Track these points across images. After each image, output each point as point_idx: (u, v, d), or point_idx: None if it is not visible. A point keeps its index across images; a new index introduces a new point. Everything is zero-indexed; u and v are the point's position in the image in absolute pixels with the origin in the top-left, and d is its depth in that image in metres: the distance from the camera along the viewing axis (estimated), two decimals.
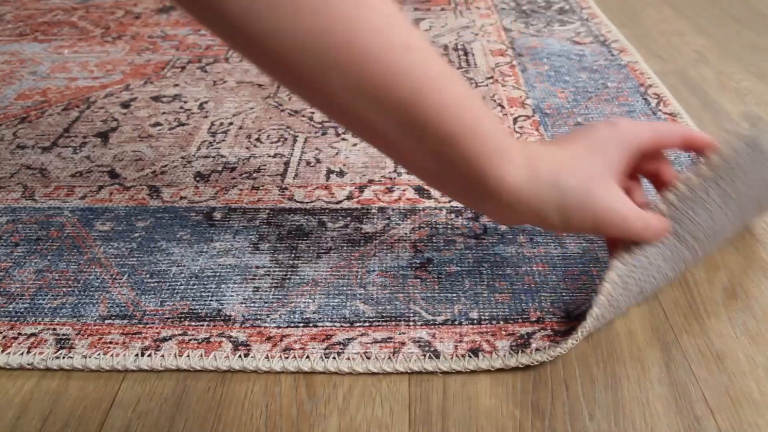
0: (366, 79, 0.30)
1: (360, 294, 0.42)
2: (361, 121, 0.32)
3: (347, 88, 0.30)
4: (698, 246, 0.38)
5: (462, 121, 0.32)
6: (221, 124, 0.63)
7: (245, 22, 0.29)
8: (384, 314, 0.40)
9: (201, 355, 0.38)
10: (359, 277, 0.44)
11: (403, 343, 0.38)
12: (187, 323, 0.40)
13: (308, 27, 0.29)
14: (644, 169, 0.40)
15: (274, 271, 0.44)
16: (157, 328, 0.40)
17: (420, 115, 0.31)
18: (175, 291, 0.43)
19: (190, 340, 0.39)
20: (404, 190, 0.52)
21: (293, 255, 0.46)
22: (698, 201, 0.37)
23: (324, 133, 0.61)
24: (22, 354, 0.38)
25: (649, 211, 0.37)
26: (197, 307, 0.41)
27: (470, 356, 0.37)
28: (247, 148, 0.59)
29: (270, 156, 0.58)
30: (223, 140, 0.60)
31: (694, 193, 0.37)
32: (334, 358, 0.37)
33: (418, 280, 0.43)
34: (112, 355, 0.38)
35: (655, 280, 0.38)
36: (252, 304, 0.41)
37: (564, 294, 0.42)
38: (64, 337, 0.39)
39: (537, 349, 0.37)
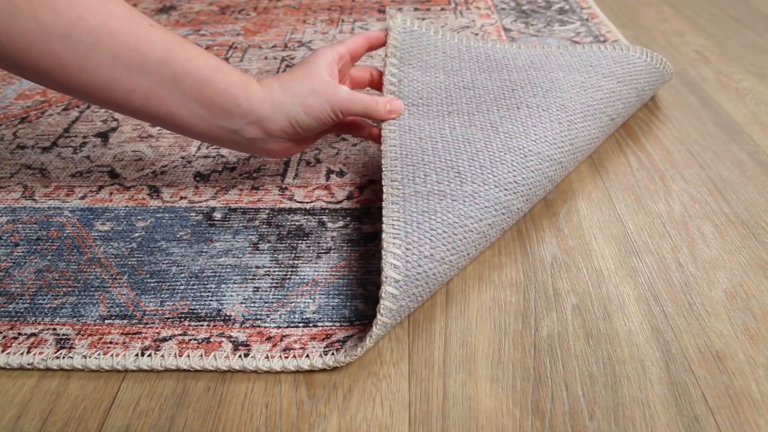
0: (123, 50, 0.38)
1: (360, 294, 0.42)
2: (126, 89, 0.39)
3: (109, 61, 0.38)
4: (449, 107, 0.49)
5: (208, 65, 0.41)
6: None
7: (4, 31, 0.35)
8: None
9: (201, 355, 0.38)
10: (359, 277, 0.44)
11: None
12: (187, 323, 0.40)
13: (66, 19, 0.36)
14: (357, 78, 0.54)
15: (274, 271, 0.44)
16: (157, 328, 0.40)
17: (175, 68, 0.40)
18: (175, 291, 0.43)
19: (190, 340, 0.39)
20: None
21: (293, 255, 0.46)
22: (405, 77, 0.53)
23: None
24: (22, 354, 0.38)
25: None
26: (197, 307, 0.41)
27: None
28: None
29: None
30: None
31: (399, 72, 0.53)
32: (332, 354, 0.37)
33: None
34: (112, 355, 0.38)
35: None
36: (252, 304, 0.41)
37: None
38: (64, 337, 0.39)
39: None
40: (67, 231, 0.48)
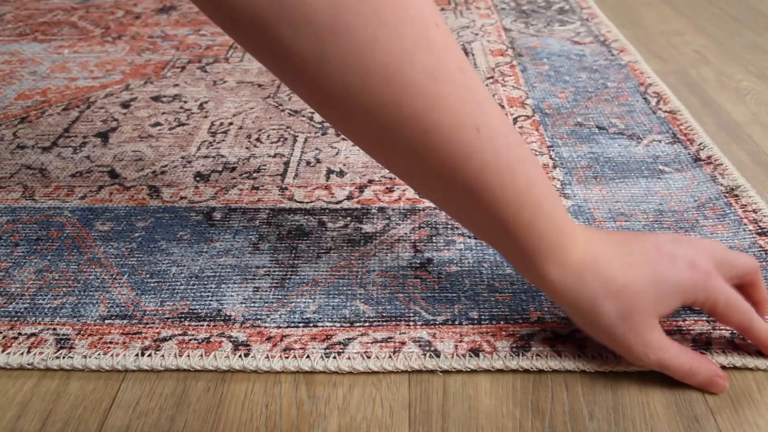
0: (432, 155, 0.29)
1: (360, 294, 0.42)
2: (423, 184, 0.32)
3: (412, 157, 0.29)
4: None
5: (518, 219, 0.31)
6: (221, 124, 0.63)
7: (310, 72, 0.27)
8: (384, 314, 0.40)
9: (201, 355, 0.38)
10: (359, 277, 0.44)
11: (403, 343, 0.38)
12: (187, 323, 0.40)
13: (378, 93, 0.27)
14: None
15: (274, 271, 0.44)
16: (157, 328, 0.40)
17: (479, 202, 0.30)
18: (175, 291, 0.43)
19: (190, 340, 0.39)
20: (404, 190, 0.52)
21: (293, 255, 0.46)
22: None
23: (324, 133, 0.61)
24: (22, 354, 0.38)
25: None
26: (197, 307, 0.41)
27: (471, 356, 0.37)
28: (247, 148, 0.59)
29: (270, 156, 0.58)
30: (223, 140, 0.60)
31: None
32: (334, 357, 0.37)
33: (418, 280, 0.43)
34: (112, 355, 0.38)
35: None
36: (252, 304, 0.41)
37: None
38: (64, 337, 0.39)
39: (537, 354, 0.37)
40: (67, 231, 0.48)
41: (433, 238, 0.47)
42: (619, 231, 0.38)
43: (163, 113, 0.65)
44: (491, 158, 0.29)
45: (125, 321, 0.40)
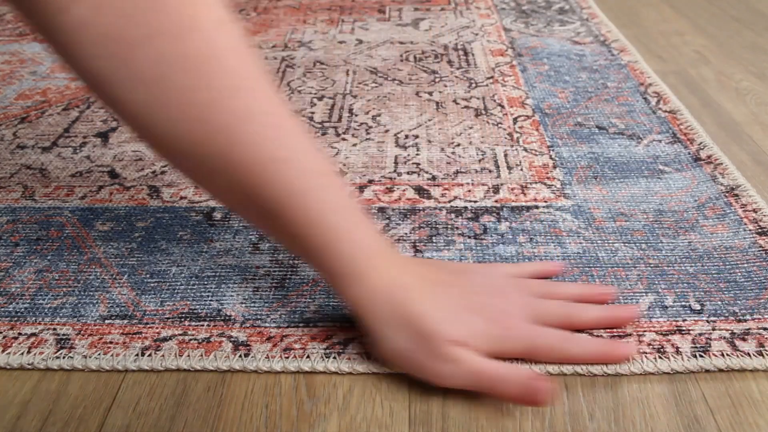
0: (240, 186, 0.33)
1: None
2: (241, 212, 0.38)
3: (227, 189, 0.34)
4: None
5: (318, 240, 0.34)
6: None
7: (140, 119, 0.31)
8: None
9: (201, 355, 0.38)
10: None
11: None
12: (187, 323, 0.40)
13: (192, 134, 0.31)
14: None
15: (274, 271, 0.44)
16: (157, 328, 0.40)
17: (285, 225, 0.34)
18: (175, 291, 0.43)
19: (191, 340, 0.39)
20: (404, 190, 0.52)
21: (293, 255, 0.46)
22: None
23: (324, 133, 0.61)
24: (22, 354, 0.38)
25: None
26: (197, 307, 0.41)
27: None
28: None
29: None
30: None
31: None
32: (334, 358, 0.37)
33: None
34: (112, 355, 0.38)
35: None
36: (252, 304, 0.41)
37: None
38: (64, 337, 0.39)
39: None
40: (67, 231, 0.48)
41: (433, 238, 0.47)
42: (440, 267, 0.40)
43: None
44: (290, 186, 0.33)
45: (125, 321, 0.40)
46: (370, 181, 0.54)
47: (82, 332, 0.40)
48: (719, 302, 0.41)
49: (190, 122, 0.31)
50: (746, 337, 0.38)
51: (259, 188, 0.33)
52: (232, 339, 0.39)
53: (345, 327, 0.40)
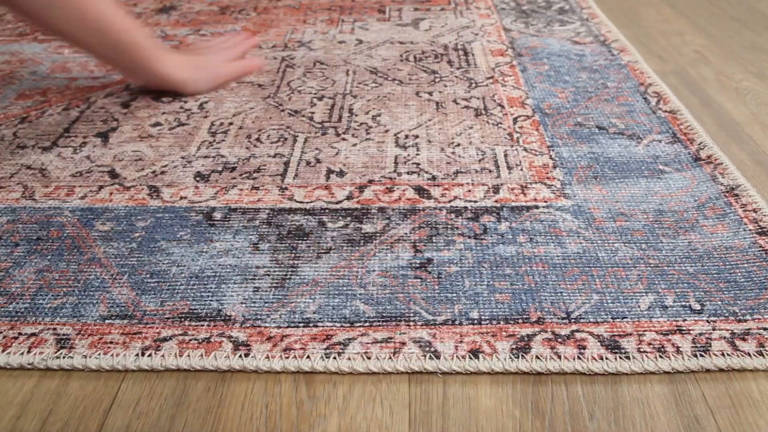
0: (73, 15, 0.56)
1: (360, 294, 0.42)
2: (75, 39, 0.59)
3: (65, 20, 0.56)
4: None
5: (133, 38, 0.60)
6: (221, 124, 0.63)
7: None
8: (384, 314, 0.40)
9: (201, 355, 0.38)
10: (359, 277, 0.44)
11: (403, 344, 0.38)
12: (187, 323, 0.40)
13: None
14: None
15: (274, 271, 0.44)
16: (157, 328, 0.40)
17: (109, 36, 0.59)
18: (175, 291, 0.43)
19: (191, 340, 0.39)
20: (404, 190, 0.52)
21: (293, 255, 0.46)
22: None
23: (324, 133, 0.61)
24: (22, 354, 0.38)
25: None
26: (197, 307, 0.41)
27: (471, 357, 0.37)
28: (247, 148, 0.59)
29: (270, 156, 0.58)
30: (223, 140, 0.60)
31: None
32: (334, 358, 0.37)
33: (418, 280, 0.43)
34: (112, 355, 0.38)
35: None
36: (252, 304, 0.41)
37: (564, 294, 0.42)
38: (64, 336, 0.39)
39: (537, 357, 0.37)
40: (67, 231, 0.48)
41: (433, 238, 0.47)
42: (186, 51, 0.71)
43: (163, 113, 0.65)
44: (109, 11, 0.58)
45: (125, 321, 0.40)
46: (370, 181, 0.54)
47: (82, 332, 0.40)
48: (719, 302, 0.41)
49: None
50: (746, 337, 0.38)
51: (90, 13, 0.57)
52: (232, 339, 0.39)
53: (345, 327, 0.40)
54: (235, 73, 0.71)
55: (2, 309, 0.41)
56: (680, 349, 0.37)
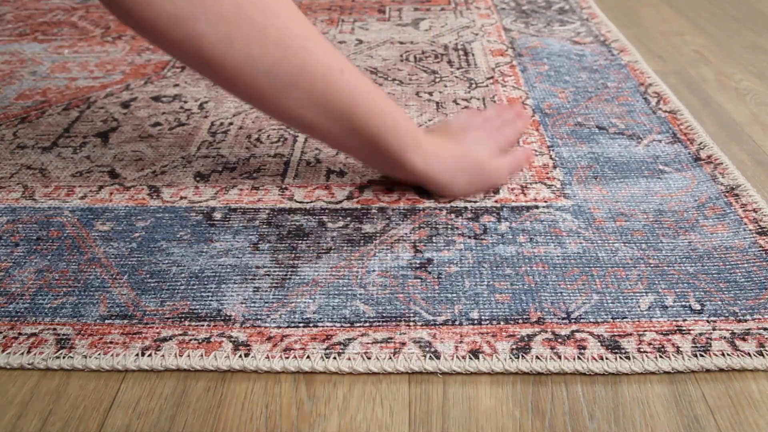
0: (315, 95, 0.42)
1: (360, 294, 0.42)
2: (311, 126, 0.44)
3: (301, 101, 0.42)
4: None
5: (386, 124, 0.45)
6: (221, 124, 0.63)
7: (219, 55, 0.38)
8: (384, 314, 0.40)
9: (201, 355, 0.38)
10: (359, 277, 0.44)
11: (403, 344, 0.38)
12: (187, 323, 0.40)
13: (272, 57, 0.39)
14: None
15: (274, 271, 0.44)
16: (157, 328, 0.40)
17: (355, 121, 0.44)
18: (175, 291, 0.43)
19: (191, 340, 0.39)
20: (404, 190, 0.52)
21: (293, 255, 0.46)
22: None
23: None
24: (22, 354, 0.38)
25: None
26: (197, 307, 0.41)
27: (471, 358, 0.37)
28: (247, 148, 0.59)
29: (270, 156, 0.58)
30: (223, 140, 0.60)
31: None
32: (334, 358, 0.37)
33: (418, 280, 0.43)
34: (112, 355, 0.38)
35: None
36: (252, 304, 0.41)
37: (564, 294, 0.42)
38: (64, 336, 0.39)
39: (537, 357, 0.37)
40: (67, 231, 0.48)
41: (433, 238, 0.47)
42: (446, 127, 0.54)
43: (163, 113, 0.65)
44: (356, 88, 0.43)
45: (125, 321, 0.40)
46: (370, 181, 0.54)
47: (82, 332, 0.40)
48: (719, 302, 0.41)
49: (267, 47, 0.39)
50: (746, 337, 0.38)
51: (333, 94, 0.42)
52: (232, 339, 0.39)
53: (345, 327, 0.40)
54: (507, 173, 0.52)
55: (2, 309, 0.41)
56: (680, 349, 0.37)
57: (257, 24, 0.38)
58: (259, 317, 0.40)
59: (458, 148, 0.50)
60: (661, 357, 0.37)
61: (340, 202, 0.51)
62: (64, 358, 0.38)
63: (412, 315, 0.40)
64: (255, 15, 0.38)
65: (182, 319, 0.40)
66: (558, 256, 0.45)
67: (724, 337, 0.38)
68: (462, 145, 0.50)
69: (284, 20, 0.39)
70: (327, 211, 0.50)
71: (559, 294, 0.42)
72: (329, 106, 0.42)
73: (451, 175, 0.49)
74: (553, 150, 0.58)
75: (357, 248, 0.46)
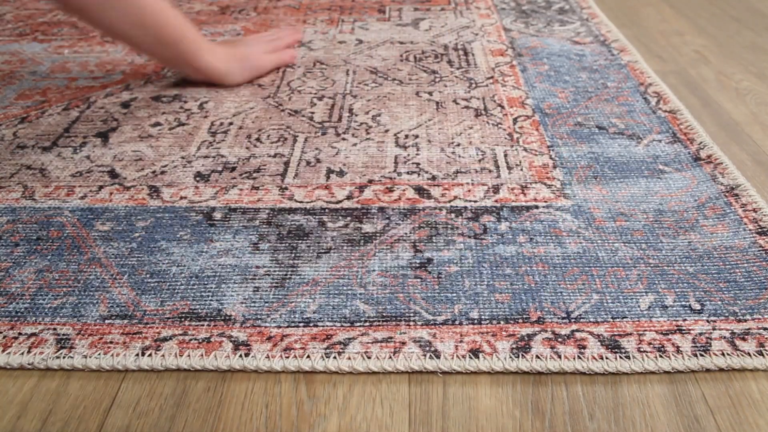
0: (132, 16, 0.58)
1: (360, 294, 0.42)
2: (125, 36, 0.60)
3: (121, 20, 0.58)
4: None
5: (186, 36, 0.63)
6: (221, 124, 0.63)
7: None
8: (384, 314, 0.40)
9: (201, 355, 0.38)
10: (359, 277, 0.44)
11: (403, 343, 0.38)
12: (187, 323, 0.40)
13: (143, 14, 0.58)
14: None
15: (274, 271, 0.44)
16: (157, 327, 0.40)
17: (160, 32, 0.61)
18: (176, 291, 0.43)
19: (191, 339, 0.39)
20: (404, 190, 0.52)
21: (293, 255, 0.46)
22: None
23: (324, 133, 0.61)
24: (22, 354, 0.38)
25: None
26: (197, 306, 0.41)
27: (471, 357, 0.37)
28: (247, 148, 0.59)
29: (270, 156, 0.58)
30: (223, 140, 0.60)
31: None
32: (334, 357, 0.37)
33: (418, 280, 0.43)
34: (112, 355, 0.38)
35: None
36: (252, 304, 0.41)
37: (564, 294, 0.42)
38: (64, 336, 0.39)
39: (537, 356, 0.37)
40: (67, 231, 0.48)
41: (433, 238, 0.47)
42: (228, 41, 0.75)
43: (163, 113, 0.65)
44: (163, 9, 0.61)
45: (125, 321, 0.40)
46: (370, 181, 0.54)
47: (82, 332, 0.40)
48: (719, 302, 0.41)
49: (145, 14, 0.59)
50: (746, 336, 0.38)
51: (149, 15, 0.59)
52: (232, 339, 0.39)
53: (345, 327, 0.40)
54: (272, 65, 0.73)
55: (2, 309, 0.41)
56: (680, 348, 0.37)
57: None
58: (259, 317, 0.40)
59: (236, 49, 0.71)
60: (661, 357, 0.37)
61: (340, 201, 0.51)
62: (64, 358, 0.38)
63: (412, 314, 0.40)
64: None
65: (182, 319, 0.40)
66: (558, 256, 0.45)
67: (724, 337, 0.38)
68: (239, 47, 0.72)
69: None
70: (327, 211, 0.50)
71: (559, 294, 0.42)
72: (141, 22, 0.59)
73: (228, 65, 0.69)
74: (553, 150, 0.58)
75: (357, 248, 0.46)
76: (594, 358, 0.37)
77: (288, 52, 0.76)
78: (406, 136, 0.60)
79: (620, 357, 0.37)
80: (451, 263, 0.45)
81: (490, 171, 0.55)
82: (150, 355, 0.38)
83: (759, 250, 0.45)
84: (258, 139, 0.60)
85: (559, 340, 0.38)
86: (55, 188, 0.54)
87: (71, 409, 0.35)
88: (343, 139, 0.60)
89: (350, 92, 0.69)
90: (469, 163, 0.56)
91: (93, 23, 0.59)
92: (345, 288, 0.43)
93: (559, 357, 0.37)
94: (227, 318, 0.40)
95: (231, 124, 0.63)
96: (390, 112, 0.65)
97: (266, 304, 0.41)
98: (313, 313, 0.41)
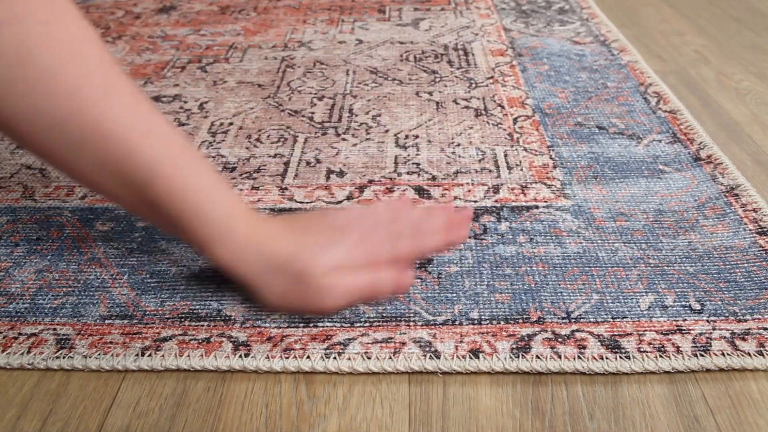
0: (110, 159, 0.34)
1: None
2: (108, 192, 0.37)
3: (94, 164, 0.34)
4: None
5: (186, 205, 0.35)
6: (221, 124, 0.63)
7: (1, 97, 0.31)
8: (384, 314, 0.40)
9: (201, 355, 0.38)
10: None
11: (403, 344, 0.38)
12: (187, 323, 0.40)
13: (61, 108, 0.32)
14: None
15: None
16: (157, 328, 0.40)
17: (154, 196, 0.35)
18: (175, 291, 0.43)
19: (191, 340, 0.39)
20: (404, 190, 0.52)
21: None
22: None
23: (324, 133, 0.61)
24: (22, 354, 0.38)
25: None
26: (197, 307, 0.41)
27: (471, 357, 0.37)
28: (247, 148, 0.59)
29: (270, 156, 0.58)
30: (223, 140, 0.60)
31: None
32: (334, 358, 0.37)
33: (418, 280, 0.43)
34: (112, 355, 0.38)
35: None
36: (252, 304, 0.41)
37: (564, 294, 0.42)
38: (64, 337, 0.39)
39: (537, 356, 0.37)
40: (67, 231, 0.48)
41: None
42: (298, 215, 0.44)
43: (163, 113, 0.65)
44: (160, 156, 0.35)
45: (125, 321, 0.40)
46: (370, 181, 0.54)
47: (82, 332, 0.40)
48: (719, 302, 0.41)
49: (57, 97, 0.32)
50: (746, 336, 0.38)
51: (131, 159, 0.34)
52: (232, 339, 0.39)
53: (345, 327, 0.40)
54: (345, 299, 0.37)
55: (2, 309, 0.41)
56: (680, 348, 0.37)
57: (48, 71, 0.31)
58: (259, 317, 0.40)
59: (288, 248, 0.36)
60: (661, 357, 0.37)
61: (340, 202, 0.51)
62: (64, 358, 0.38)
63: (412, 315, 0.40)
64: (48, 60, 0.31)
65: (182, 319, 0.40)
66: (558, 256, 0.45)
67: (724, 337, 0.38)
68: (298, 246, 0.36)
69: (87, 69, 0.33)
70: None
71: (559, 294, 0.42)
72: (124, 173, 0.34)
73: (265, 278, 0.37)
74: (553, 150, 0.58)
75: None
76: (594, 358, 0.37)
77: (394, 278, 0.37)
78: (406, 137, 0.60)
79: (620, 357, 0.37)
80: (451, 263, 0.45)
81: (490, 171, 0.55)
82: (150, 355, 0.38)
83: (759, 250, 0.45)
84: (258, 140, 0.60)
85: (559, 340, 0.38)
86: (55, 188, 0.54)
87: (71, 409, 0.35)
88: (343, 139, 0.60)
89: (350, 92, 0.69)
90: (469, 163, 0.56)
91: (57, 168, 0.37)
92: None
93: (559, 357, 0.37)
94: (227, 318, 0.40)
95: (231, 124, 0.63)
96: (390, 113, 0.65)
97: None
98: None
